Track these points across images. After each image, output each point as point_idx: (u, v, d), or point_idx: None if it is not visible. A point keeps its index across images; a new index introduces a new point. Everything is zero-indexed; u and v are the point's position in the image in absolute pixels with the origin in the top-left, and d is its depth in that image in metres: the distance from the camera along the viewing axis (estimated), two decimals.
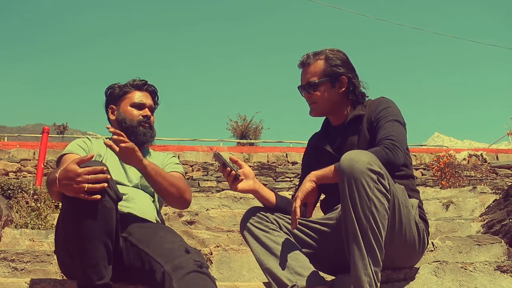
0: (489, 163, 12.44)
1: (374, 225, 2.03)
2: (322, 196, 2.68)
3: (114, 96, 2.71)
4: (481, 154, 12.16)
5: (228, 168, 2.37)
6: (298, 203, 2.26)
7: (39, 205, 4.47)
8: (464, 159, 11.89)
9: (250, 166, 12.22)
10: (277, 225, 2.43)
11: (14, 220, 4.10)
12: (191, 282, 1.96)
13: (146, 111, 2.68)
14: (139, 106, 2.67)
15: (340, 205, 2.19)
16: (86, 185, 1.95)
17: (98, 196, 1.97)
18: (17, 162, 12.05)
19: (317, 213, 2.77)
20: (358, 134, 2.52)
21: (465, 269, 2.46)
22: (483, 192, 5.36)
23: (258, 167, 12.79)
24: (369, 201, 2.03)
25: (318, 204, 2.68)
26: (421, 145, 18.46)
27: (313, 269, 2.30)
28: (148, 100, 2.71)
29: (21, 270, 3.04)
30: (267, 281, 2.33)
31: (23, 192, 4.46)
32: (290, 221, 2.40)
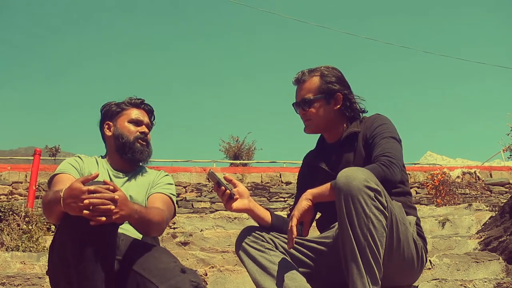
0: (483, 180, 12.44)
1: (372, 243, 2.00)
2: (318, 215, 2.64)
3: (111, 113, 2.68)
4: (475, 172, 12.17)
5: (223, 187, 2.34)
6: (294, 222, 2.23)
7: (30, 227, 4.41)
8: (458, 176, 11.89)
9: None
10: (273, 245, 2.39)
11: (5, 243, 4.03)
12: None
13: (144, 128, 2.65)
14: (137, 123, 2.65)
15: (336, 223, 2.17)
16: (90, 201, 1.90)
17: (103, 218, 1.93)
18: (8, 185, 11.93)
19: (313, 232, 2.73)
20: (354, 152, 2.50)
21: (464, 286, 2.44)
22: (478, 209, 5.34)
23: (251, 188, 12.73)
24: (366, 218, 2.00)
25: (314, 223, 2.65)
26: (415, 164, 18.47)
27: None
28: (145, 118, 2.69)
29: None
30: None
31: (14, 214, 4.40)
32: (286, 240, 2.36)
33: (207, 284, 3.10)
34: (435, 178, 8.61)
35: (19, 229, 4.33)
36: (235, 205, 2.38)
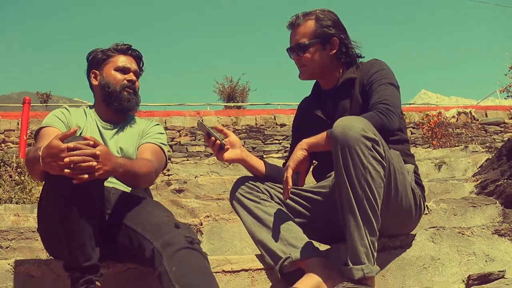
0: (478, 120, 12.44)
1: (370, 194, 1.95)
2: (314, 163, 2.59)
3: (97, 61, 2.56)
4: (470, 112, 12.15)
5: (213, 138, 2.26)
6: (289, 172, 2.17)
7: (23, 178, 4.36)
8: (453, 116, 11.87)
9: (238, 130, 12.10)
10: (268, 195, 2.34)
11: None
12: (182, 259, 1.87)
13: (131, 76, 2.54)
14: (124, 70, 2.53)
15: (333, 172, 2.11)
16: (70, 159, 1.82)
17: (86, 176, 1.85)
18: (1, 133, 11.84)
19: (309, 180, 2.68)
20: (350, 98, 2.41)
21: (463, 234, 2.40)
22: (475, 151, 5.31)
23: (246, 130, 12.68)
24: (364, 169, 1.95)
25: (310, 171, 2.59)
26: (410, 104, 18.40)
27: (307, 239, 2.23)
28: (132, 65, 2.57)
29: (6, 248, 2.95)
30: (260, 253, 2.27)
31: (6, 165, 4.34)
32: (281, 191, 2.32)
33: (202, 234, 3.08)
34: (431, 120, 8.53)
35: (12, 180, 4.27)
36: (227, 155, 2.31)
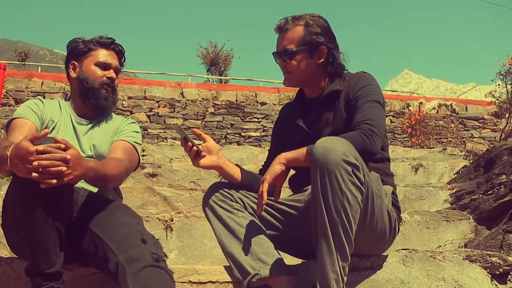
0: (457, 113, 12.51)
1: (345, 220, 1.91)
2: (292, 172, 2.52)
3: (78, 52, 2.44)
4: (451, 104, 12.21)
5: (189, 143, 2.18)
6: (265, 187, 2.11)
7: None
8: (434, 108, 11.93)
9: (217, 105, 12.01)
10: (242, 205, 2.29)
11: None
12: (146, 277, 1.80)
13: (111, 73, 2.43)
14: (104, 66, 2.42)
15: (309, 187, 2.06)
16: (39, 162, 1.73)
17: (54, 181, 1.76)
18: None
19: (285, 186, 2.63)
20: (334, 111, 2.35)
21: (434, 258, 2.38)
22: (452, 154, 5.31)
23: (226, 106, 12.57)
24: (341, 194, 1.89)
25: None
26: (392, 91, 18.43)
27: (278, 256, 2.19)
28: (114, 61, 2.46)
29: None
30: (228, 264, 2.22)
31: None
32: (256, 200, 2.27)
33: (172, 230, 3.01)
34: (412, 116, 8.54)
35: None
36: (203, 162, 2.24)
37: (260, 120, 12.48)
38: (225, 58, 19.18)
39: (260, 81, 17.07)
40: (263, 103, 12.89)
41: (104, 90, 2.39)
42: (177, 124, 2.39)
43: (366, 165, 2.08)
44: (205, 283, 2.23)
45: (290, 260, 2.54)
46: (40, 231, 1.85)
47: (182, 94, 12.65)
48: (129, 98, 12.04)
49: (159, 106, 12.21)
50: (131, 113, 11.97)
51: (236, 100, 12.83)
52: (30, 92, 11.89)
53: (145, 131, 11.27)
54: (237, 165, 2.40)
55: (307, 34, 2.37)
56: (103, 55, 2.43)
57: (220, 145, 8.56)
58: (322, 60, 2.38)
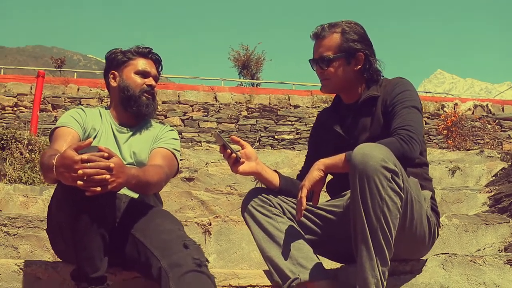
0: (494, 114, 12.29)
1: (385, 226, 1.93)
2: (329, 177, 2.55)
3: (117, 62, 2.51)
4: (487, 105, 12.00)
5: (228, 150, 2.23)
6: (304, 192, 2.14)
7: (33, 156, 4.34)
8: (469, 109, 11.75)
9: (251, 108, 12.08)
10: (281, 210, 2.32)
11: (7, 174, 3.98)
12: (188, 283, 1.85)
13: (151, 80, 2.50)
14: (144, 74, 2.49)
15: (348, 192, 2.09)
16: (84, 171, 1.79)
17: (99, 189, 1.82)
18: (13, 97, 11.83)
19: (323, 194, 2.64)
20: (372, 117, 2.36)
21: (474, 262, 2.36)
22: (490, 156, 5.24)
23: (259, 109, 12.62)
24: (381, 200, 1.91)
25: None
26: (426, 93, 18.21)
27: (317, 260, 2.21)
28: (152, 69, 2.52)
29: (14, 235, 2.95)
30: (268, 268, 2.25)
31: (17, 142, 4.32)
32: (294, 206, 2.30)
33: (211, 234, 3.06)
34: (448, 118, 8.43)
35: (22, 157, 4.26)
36: (242, 168, 2.28)
37: (293, 123, 12.49)
38: (257, 61, 19.30)
39: (293, 84, 17.09)
40: (296, 106, 12.90)
41: (145, 97, 2.46)
42: (216, 131, 2.43)
43: (405, 170, 2.09)
44: (245, 287, 2.26)
45: (329, 264, 2.55)
46: (85, 237, 1.92)
47: (215, 98, 12.76)
48: (163, 102, 12.21)
49: (193, 110, 12.33)
50: (165, 117, 12.14)
51: (269, 103, 12.87)
52: (67, 98, 12.16)
53: (180, 135, 11.39)
54: (275, 170, 2.43)
55: (344, 41, 2.38)
56: (142, 63, 2.50)
57: (254, 148, 8.61)
58: (359, 66, 2.39)
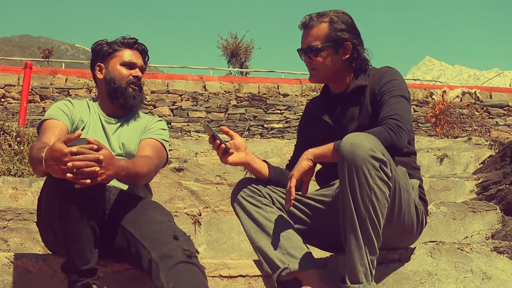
0: (482, 101, 12.36)
1: (373, 215, 1.95)
2: (318, 166, 2.56)
3: (103, 54, 2.50)
4: (475, 92, 12.07)
5: (217, 141, 2.23)
6: (293, 182, 2.15)
7: (22, 148, 4.32)
8: (458, 96, 11.81)
9: (240, 97, 12.03)
10: (270, 200, 2.33)
11: None
12: (179, 274, 1.86)
13: (137, 71, 2.49)
14: (130, 66, 2.48)
15: (337, 181, 2.10)
16: (73, 163, 1.79)
17: (88, 181, 1.82)
18: (1, 88, 11.72)
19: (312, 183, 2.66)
20: (360, 106, 2.37)
21: (462, 250, 2.39)
22: (477, 144, 5.28)
23: (248, 98, 12.60)
24: (369, 190, 1.93)
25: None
26: (414, 80, 18.27)
27: (306, 250, 2.23)
28: (138, 60, 2.51)
29: (3, 228, 2.94)
30: (258, 258, 2.27)
31: (6, 134, 4.29)
32: (283, 195, 2.31)
33: (200, 224, 3.07)
34: (436, 106, 8.48)
35: (11, 149, 4.24)
36: (231, 159, 2.29)
37: (282, 111, 12.50)
38: (246, 49, 19.28)
39: (282, 72, 17.07)
40: (285, 95, 12.89)
41: (131, 89, 2.45)
42: (205, 122, 2.43)
43: (393, 159, 2.11)
44: (235, 277, 2.27)
45: (319, 253, 2.58)
46: (75, 229, 1.92)
47: (204, 87, 12.71)
48: (152, 92, 12.17)
49: (182, 100, 12.29)
50: (154, 107, 12.10)
51: (258, 92, 12.86)
52: (55, 88, 12.07)
53: (169, 125, 11.37)
54: (264, 160, 2.44)
55: (332, 31, 2.39)
56: (127, 55, 2.49)
57: (243, 137, 8.61)
58: (347, 56, 2.40)
